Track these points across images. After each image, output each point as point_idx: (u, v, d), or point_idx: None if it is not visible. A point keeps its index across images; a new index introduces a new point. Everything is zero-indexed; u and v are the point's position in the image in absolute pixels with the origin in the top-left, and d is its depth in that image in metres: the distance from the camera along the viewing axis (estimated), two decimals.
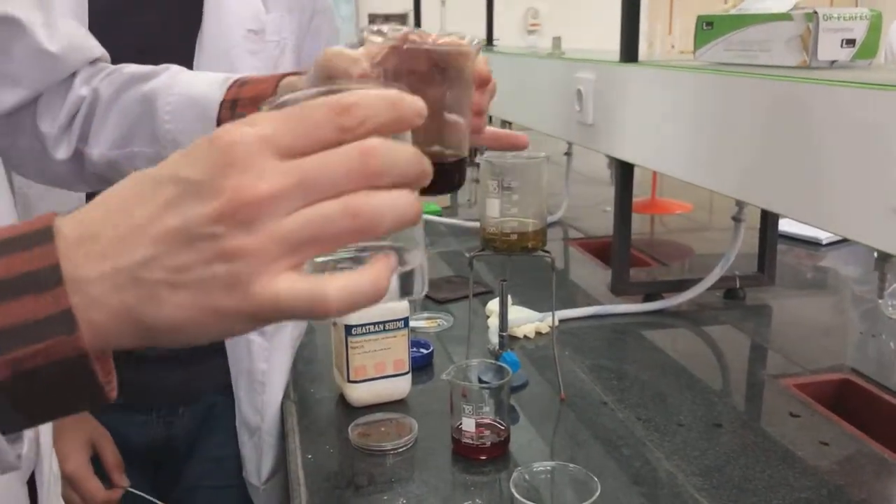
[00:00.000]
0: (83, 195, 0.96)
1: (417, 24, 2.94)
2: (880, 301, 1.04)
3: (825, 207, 0.84)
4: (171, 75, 0.77)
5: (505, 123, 2.34)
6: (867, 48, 1.00)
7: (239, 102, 0.72)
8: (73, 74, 0.78)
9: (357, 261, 0.39)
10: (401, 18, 5.31)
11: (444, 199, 2.17)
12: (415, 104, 0.36)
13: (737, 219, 1.30)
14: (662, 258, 1.67)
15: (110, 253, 0.35)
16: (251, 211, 0.33)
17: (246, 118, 0.35)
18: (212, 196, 0.34)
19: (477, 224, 1.83)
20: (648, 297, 1.36)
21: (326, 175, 0.34)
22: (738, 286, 1.38)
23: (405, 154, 0.36)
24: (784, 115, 0.89)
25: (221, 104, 0.72)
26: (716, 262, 1.31)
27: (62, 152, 0.78)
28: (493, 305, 1.26)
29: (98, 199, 0.37)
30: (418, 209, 0.36)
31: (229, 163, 0.34)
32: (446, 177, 0.56)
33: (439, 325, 1.28)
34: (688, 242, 1.87)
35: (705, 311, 1.34)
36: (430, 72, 0.56)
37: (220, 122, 0.71)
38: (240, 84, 0.73)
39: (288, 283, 0.34)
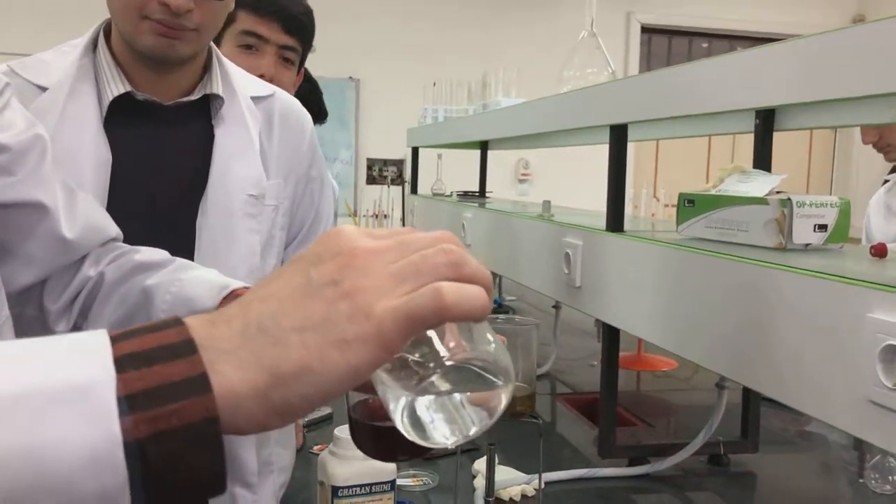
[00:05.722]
0: None
1: (415, 170, 3.06)
2: (861, 480, 1.06)
3: (798, 389, 0.86)
4: (174, 270, 0.82)
5: (495, 276, 2.40)
6: (838, 233, 1.06)
7: None
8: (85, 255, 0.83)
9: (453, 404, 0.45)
10: (398, 164, 5.50)
11: None
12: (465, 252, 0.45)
13: (721, 385, 1.32)
14: (647, 417, 1.68)
15: (239, 314, 0.40)
16: (365, 259, 0.40)
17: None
18: (331, 257, 0.41)
19: None
20: (634, 460, 1.37)
21: (417, 243, 0.42)
22: (721, 452, 1.39)
23: (474, 260, 0.42)
24: (757, 297, 0.93)
25: None
26: (700, 424, 1.32)
27: (62, 326, 0.83)
28: (479, 465, 1.26)
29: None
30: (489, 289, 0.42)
31: (339, 237, 0.42)
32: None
33: (424, 483, 1.27)
34: (672, 400, 1.89)
35: (689, 478, 1.35)
36: None
37: None
38: (235, 296, 0.77)
39: (404, 298, 0.39)
